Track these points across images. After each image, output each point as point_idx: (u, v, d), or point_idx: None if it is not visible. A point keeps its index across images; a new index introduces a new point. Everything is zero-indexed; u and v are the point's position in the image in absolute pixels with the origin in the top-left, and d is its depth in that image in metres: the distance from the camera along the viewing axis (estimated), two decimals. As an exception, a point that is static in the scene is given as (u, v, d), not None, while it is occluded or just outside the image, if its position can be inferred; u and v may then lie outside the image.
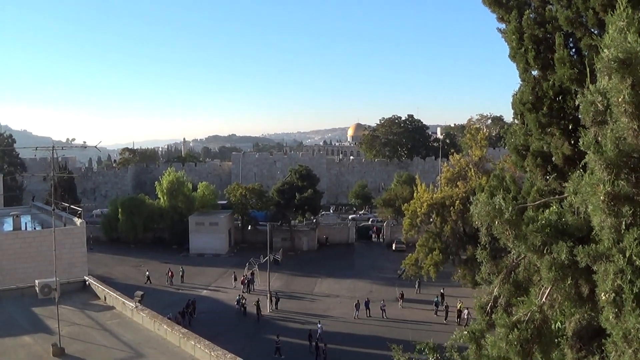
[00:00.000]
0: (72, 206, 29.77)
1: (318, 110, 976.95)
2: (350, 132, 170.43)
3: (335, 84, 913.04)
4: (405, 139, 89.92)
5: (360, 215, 68.51)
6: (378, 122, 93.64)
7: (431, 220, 33.51)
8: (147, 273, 42.31)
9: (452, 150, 50.19)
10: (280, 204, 51.80)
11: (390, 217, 57.01)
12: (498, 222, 3.87)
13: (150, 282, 40.27)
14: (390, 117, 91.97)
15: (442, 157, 71.71)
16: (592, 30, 6.35)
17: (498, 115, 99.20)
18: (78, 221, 25.59)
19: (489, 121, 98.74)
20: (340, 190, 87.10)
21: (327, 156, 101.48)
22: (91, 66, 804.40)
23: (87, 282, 15.77)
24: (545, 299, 3.75)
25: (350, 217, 66.60)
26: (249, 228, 55.59)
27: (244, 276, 40.38)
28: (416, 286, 37.75)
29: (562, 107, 6.93)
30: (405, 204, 36.41)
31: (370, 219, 63.66)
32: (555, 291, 3.65)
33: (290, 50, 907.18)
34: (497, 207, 3.86)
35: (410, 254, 34.30)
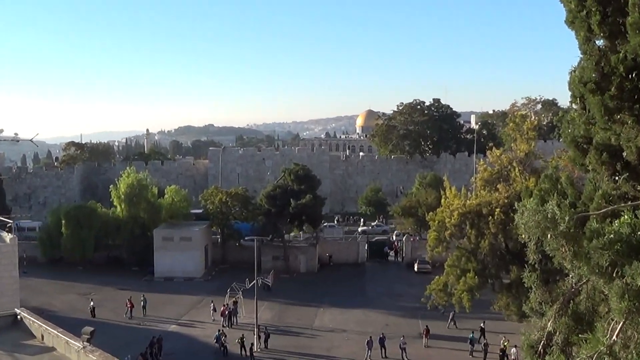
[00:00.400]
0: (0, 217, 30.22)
1: (319, 94, 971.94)
2: (359, 122, 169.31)
3: (341, 61, 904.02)
4: (430, 130, 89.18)
5: (372, 227, 68.77)
6: (395, 109, 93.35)
7: (464, 233, 33.62)
8: (92, 303, 42.17)
9: (490, 144, 50.13)
10: (270, 213, 51.67)
11: (411, 230, 56.98)
12: (551, 236, 3.86)
13: (94, 316, 39.98)
14: (411, 103, 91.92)
15: (477, 152, 71.71)
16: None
17: (550, 98, 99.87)
18: (8, 237, 25.51)
19: (539, 106, 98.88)
20: (348, 195, 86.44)
21: (330, 152, 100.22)
22: (26, 35, 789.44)
23: (19, 317, 15.70)
24: (617, 336, 3.62)
25: (360, 229, 67.03)
26: (233, 244, 55.35)
27: (224, 306, 40.46)
28: (450, 318, 37.83)
29: (637, 87, 6.77)
30: (431, 213, 36.53)
31: (390, 233, 63.24)
32: (630, 326, 3.52)
33: (283, 20, 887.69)
34: (549, 216, 3.84)
35: (437, 277, 34.47)
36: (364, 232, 65.13)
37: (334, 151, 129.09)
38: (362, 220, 73.03)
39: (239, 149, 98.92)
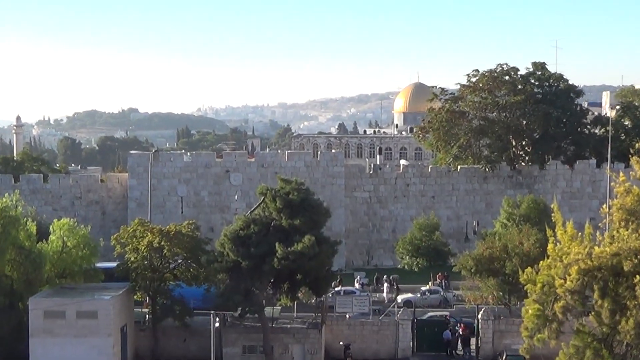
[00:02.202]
0: None
1: (325, 56, 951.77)
2: (399, 105, 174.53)
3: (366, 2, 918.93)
4: (528, 120, 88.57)
5: (424, 295, 68.53)
6: (465, 83, 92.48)
7: (589, 306, 34.76)
8: None
9: (638, 145, 50.28)
10: (239, 269, 50.86)
11: (493, 300, 57.01)
12: None
13: None
14: (494, 70, 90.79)
15: (613, 159, 72.39)
16: None
17: None
18: None
19: None
20: (379, 237, 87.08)
21: (347, 160, 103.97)
22: None
23: None
24: None
25: (400, 298, 66.38)
26: (172, 325, 54.29)
27: None
28: None
29: None
30: (529, 269, 37.10)
31: (454, 304, 64.44)
32: None
33: None
34: None
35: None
36: (407, 303, 63.81)
37: (354, 158, 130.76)
38: (388, 283, 71.66)
39: (183, 152, 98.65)
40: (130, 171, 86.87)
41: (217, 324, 50.86)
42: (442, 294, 69.73)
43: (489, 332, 54.76)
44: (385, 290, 70.64)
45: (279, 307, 56.20)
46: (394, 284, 71.79)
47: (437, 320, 58.76)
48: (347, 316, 57.21)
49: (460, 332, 56.38)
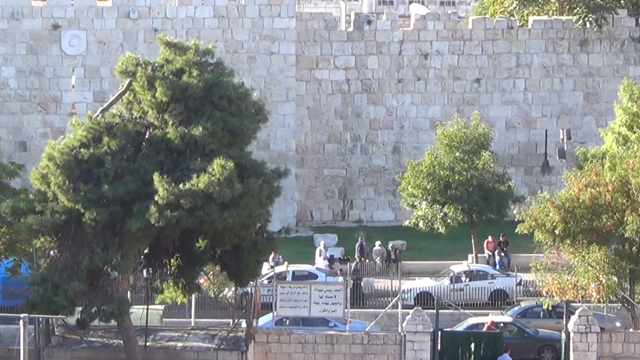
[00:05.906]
0: None
1: None
2: None
3: None
4: None
5: (456, 280, 64.06)
6: None
7: None
8: None
9: None
10: (79, 226, 46.51)
11: (597, 292, 51.81)
12: None
13: None
14: None
15: None
16: None
17: None
18: None
19: None
20: (365, 162, 77.32)
21: (302, 4, 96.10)
22: None
23: None
24: None
25: (408, 286, 62.55)
26: None
27: None
28: None
29: None
30: None
31: (504, 299, 62.18)
32: None
33: None
34: None
35: None
36: (422, 297, 60.10)
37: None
38: (383, 255, 66.85)
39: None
40: None
41: (33, 340, 46.02)
42: (493, 277, 63.02)
43: (590, 357, 47.81)
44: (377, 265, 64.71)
45: (161, 308, 51.47)
46: (395, 256, 64.80)
47: (486, 334, 52.52)
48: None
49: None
